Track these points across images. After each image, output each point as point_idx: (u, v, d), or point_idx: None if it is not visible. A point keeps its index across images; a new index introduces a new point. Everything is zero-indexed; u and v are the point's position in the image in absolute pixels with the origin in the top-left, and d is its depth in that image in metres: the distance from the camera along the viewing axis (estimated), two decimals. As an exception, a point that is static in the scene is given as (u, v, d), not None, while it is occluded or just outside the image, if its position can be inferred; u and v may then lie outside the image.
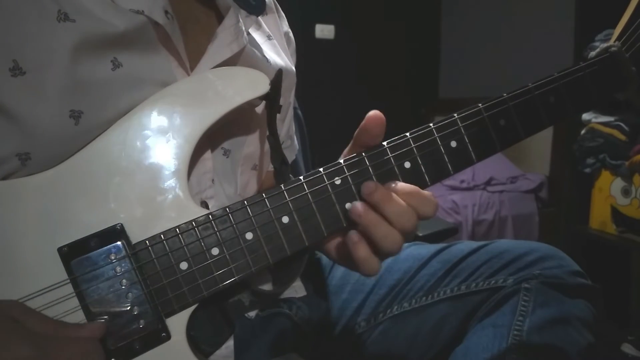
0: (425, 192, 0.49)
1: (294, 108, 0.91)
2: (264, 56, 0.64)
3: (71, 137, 0.47)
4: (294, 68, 0.73)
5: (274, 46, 0.69)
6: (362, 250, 0.48)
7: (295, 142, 0.81)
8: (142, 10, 0.50)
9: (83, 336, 0.43)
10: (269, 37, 0.69)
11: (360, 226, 0.48)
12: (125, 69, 0.49)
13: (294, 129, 0.82)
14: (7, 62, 0.44)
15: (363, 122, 0.50)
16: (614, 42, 0.59)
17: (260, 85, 0.53)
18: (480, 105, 0.54)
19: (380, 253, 0.49)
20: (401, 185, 0.49)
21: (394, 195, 0.48)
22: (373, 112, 0.50)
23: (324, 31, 3.27)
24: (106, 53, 0.49)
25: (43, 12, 0.45)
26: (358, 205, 0.48)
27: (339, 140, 0.72)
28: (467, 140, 0.53)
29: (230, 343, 0.58)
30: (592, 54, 0.59)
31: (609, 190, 2.04)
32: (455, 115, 0.53)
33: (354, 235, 0.48)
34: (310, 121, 1.10)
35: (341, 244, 0.52)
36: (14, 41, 0.44)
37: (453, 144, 0.53)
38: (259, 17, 0.66)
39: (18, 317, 0.42)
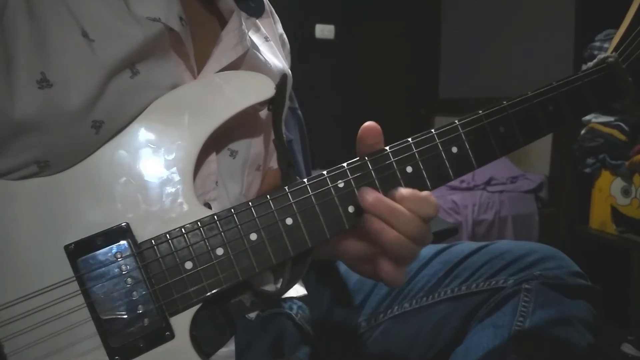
0: (423, 193, 0.49)
1: (294, 108, 0.91)
2: (264, 58, 0.64)
3: (90, 146, 0.48)
4: (289, 70, 0.73)
5: (271, 48, 0.69)
6: (387, 266, 0.48)
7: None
8: (159, 18, 0.50)
9: None
10: (266, 39, 0.69)
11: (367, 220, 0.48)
12: (143, 76, 0.50)
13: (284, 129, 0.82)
14: (35, 74, 0.44)
15: (359, 133, 0.51)
16: (612, 53, 0.61)
17: (266, 89, 0.54)
18: (480, 112, 0.54)
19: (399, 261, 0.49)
20: (399, 191, 0.49)
21: (397, 205, 0.48)
22: (367, 123, 0.50)
23: (324, 31, 3.27)
24: (127, 63, 0.49)
25: (68, 29, 0.46)
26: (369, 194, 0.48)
27: (339, 140, 0.73)
28: (467, 146, 0.54)
29: (231, 343, 0.58)
30: (590, 64, 0.61)
31: (609, 190, 2.05)
32: (456, 121, 0.54)
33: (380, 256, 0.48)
34: (310, 121, 1.10)
35: (362, 259, 0.53)
36: (43, 55, 0.45)
37: (454, 149, 0.53)
38: (257, 20, 0.67)
39: None
